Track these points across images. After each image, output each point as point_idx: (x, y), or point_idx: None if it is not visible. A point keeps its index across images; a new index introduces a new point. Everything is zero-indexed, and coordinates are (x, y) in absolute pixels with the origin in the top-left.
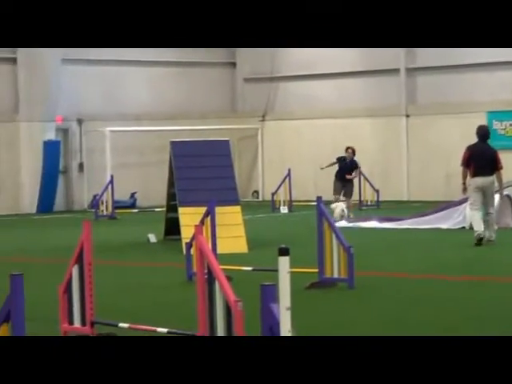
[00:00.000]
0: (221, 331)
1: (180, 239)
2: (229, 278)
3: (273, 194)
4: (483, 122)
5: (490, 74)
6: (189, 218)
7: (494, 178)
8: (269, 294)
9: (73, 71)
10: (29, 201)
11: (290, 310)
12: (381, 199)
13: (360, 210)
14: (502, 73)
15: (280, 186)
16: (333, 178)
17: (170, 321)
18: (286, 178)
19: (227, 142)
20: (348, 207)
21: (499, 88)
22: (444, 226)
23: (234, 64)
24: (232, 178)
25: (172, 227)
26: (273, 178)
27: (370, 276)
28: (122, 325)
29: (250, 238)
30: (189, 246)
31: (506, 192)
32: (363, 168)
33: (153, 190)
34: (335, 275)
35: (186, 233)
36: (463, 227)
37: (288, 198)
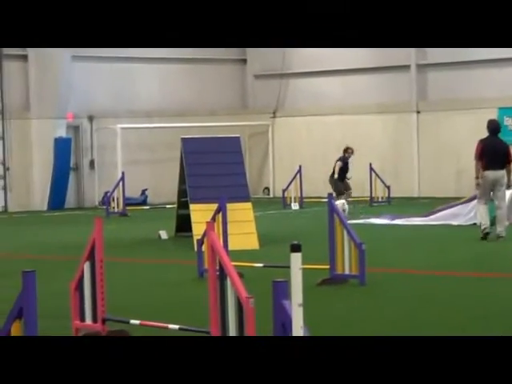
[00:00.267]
0: (232, 328)
1: (191, 236)
2: (240, 275)
3: (284, 191)
4: (494, 118)
5: (500, 70)
6: (200, 214)
7: (504, 172)
8: (281, 290)
9: (83, 68)
10: (40, 198)
11: (302, 306)
12: (392, 196)
13: (371, 206)
14: None
15: (291, 182)
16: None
17: (181, 317)
18: (296, 174)
19: (238, 138)
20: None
21: (510, 84)
22: (455, 222)
23: (244, 61)
24: (243, 174)
25: (183, 224)
26: (283, 174)
27: (381, 272)
28: (133, 321)
29: (261, 234)
30: (200, 242)
31: None
32: (374, 164)
33: (164, 187)
34: (346, 272)
35: (197, 229)
36: (474, 223)
37: (299, 194)
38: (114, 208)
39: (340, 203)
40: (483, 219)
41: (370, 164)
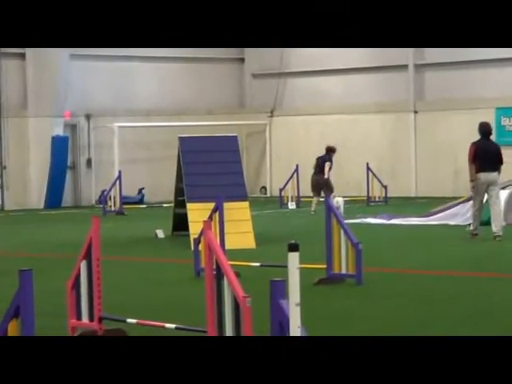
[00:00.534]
0: (229, 327)
1: (188, 235)
2: (237, 274)
3: (281, 190)
4: (492, 118)
5: (498, 70)
6: (197, 213)
7: (497, 173)
8: (278, 289)
9: (81, 66)
10: (37, 196)
11: (299, 305)
12: (389, 195)
13: (368, 206)
14: (511, 69)
15: (288, 181)
16: (336, 175)
17: (178, 317)
18: (293, 173)
19: (235, 137)
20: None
21: (508, 84)
22: (452, 222)
23: (242, 60)
24: (240, 173)
25: (180, 223)
26: (281, 173)
27: (378, 272)
28: (130, 320)
29: (258, 233)
30: (197, 241)
31: None
32: (371, 164)
33: (161, 186)
34: (343, 271)
35: (194, 228)
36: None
37: (296, 193)
38: (110, 207)
39: (340, 200)
40: (473, 224)
41: (368, 163)
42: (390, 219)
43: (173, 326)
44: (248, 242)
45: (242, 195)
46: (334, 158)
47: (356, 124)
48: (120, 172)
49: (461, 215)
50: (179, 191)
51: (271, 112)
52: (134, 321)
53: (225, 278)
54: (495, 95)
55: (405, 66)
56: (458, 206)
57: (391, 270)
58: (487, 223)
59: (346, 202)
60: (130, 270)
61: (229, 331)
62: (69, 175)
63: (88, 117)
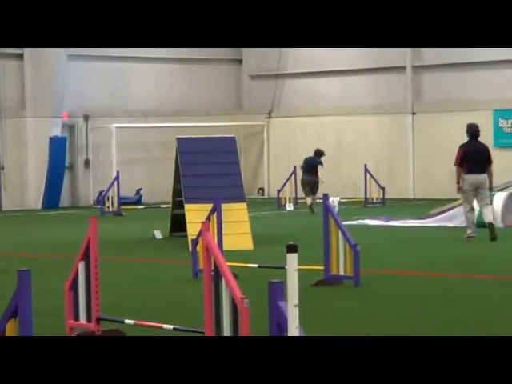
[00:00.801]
0: (227, 328)
1: (185, 236)
2: (234, 275)
3: (278, 191)
4: (489, 120)
5: (496, 72)
6: (195, 214)
7: (486, 175)
8: (277, 291)
9: (79, 67)
10: (34, 197)
11: (297, 307)
12: (386, 197)
13: (365, 207)
14: (509, 71)
15: (286, 183)
16: (333, 176)
17: (175, 317)
18: (291, 175)
19: (233, 138)
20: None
21: (505, 86)
22: (450, 224)
23: (240, 61)
24: (238, 174)
25: (178, 224)
26: (278, 175)
27: (376, 274)
28: (127, 321)
29: (256, 235)
30: (195, 242)
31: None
32: (369, 165)
33: (159, 187)
34: (341, 273)
35: (192, 229)
36: None
37: (293, 195)
38: (108, 207)
39: (335, 200)
40: (470, 227)
41: (365, 165)
42: (387, 221)
43: (170, 326)
44: (246, 243)
45: (240, 196)
46: (332, 159)
47: (354, 125)
48: (118, 173)
49: (459, 217)
50: (177, 192)
51: (269, 113)
52: (131, 322)
53: (223, 279)
54: (493, 97)
55: (403, 68)
56: (456, 208)
57: (389, 271)
58: (485, 225)
59: (341, 204)
60: (127, 270)
61: (226, 332)
62: (67, 176)
63: (86, 117)
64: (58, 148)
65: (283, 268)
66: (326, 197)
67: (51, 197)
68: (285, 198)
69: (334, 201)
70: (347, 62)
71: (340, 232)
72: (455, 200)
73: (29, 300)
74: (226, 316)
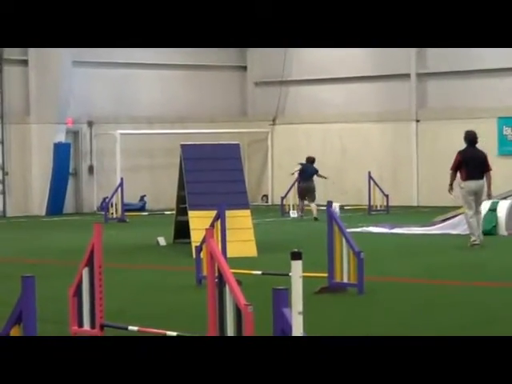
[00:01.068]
0: (231, 335)
1: (189, 242)
2: (238, 282)
3: (282, 198)
4: (493, 127)
5: (500, 79)
6: (198, 221)
7: (484, 181)
8: (281, 298)
9: (84, 73)
10: (38, 203)
11: (302, 314)
12: (390, 204)
13: (369, 214)
14: None
15: (289, 190)
16: (336, 183)
17: (179, 324)
18: (295, 182)
19: (237, 145)
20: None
21: (510, 94)
22: (454, 232)
23: (244, 67)
24: (242, 181)
25: (181, 230)
26: (282, 182)
27: (380, 281)
28: (131, 328)
29: (260, 242)
30: (199, 249)
31: None
32: (373, 173)
33: (162, 193)
34: (345, 280)
35: (196, 236)
36: None
37: (297, 202)
38: (112, 214)
39: (336, 206)
40: (473, 233)
41: (369, 172)
42: (391, 228)
43: (174, 333)
44: (250, 250)
45: (244, 203)
46: (336, 166)
47: (358, 132)
48: (122, 179)
49: (462, 225)
50: (181, 199)
51: (273, 120)
52: (135, 328)
53: (226, 286)
54: (497, 105)
55: (407, 75)
56: (460, 216)
57: (393, 279)
58: (489, 232)
59: (342, 211)
60: (131, 277)
61: None
62: (71, 182)
63: (90, 124)
64: (62, 154)
65: (287, 275)
66: (329, 204)
67: (55, 203)
68: (289, 205)
69: (334, 207)
70: (352, 69)
71: (344, 239)
72: (459, 207)
73: (33, 306)
74: (229, 323)
